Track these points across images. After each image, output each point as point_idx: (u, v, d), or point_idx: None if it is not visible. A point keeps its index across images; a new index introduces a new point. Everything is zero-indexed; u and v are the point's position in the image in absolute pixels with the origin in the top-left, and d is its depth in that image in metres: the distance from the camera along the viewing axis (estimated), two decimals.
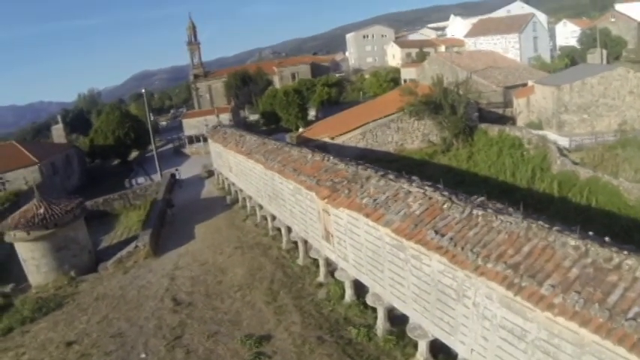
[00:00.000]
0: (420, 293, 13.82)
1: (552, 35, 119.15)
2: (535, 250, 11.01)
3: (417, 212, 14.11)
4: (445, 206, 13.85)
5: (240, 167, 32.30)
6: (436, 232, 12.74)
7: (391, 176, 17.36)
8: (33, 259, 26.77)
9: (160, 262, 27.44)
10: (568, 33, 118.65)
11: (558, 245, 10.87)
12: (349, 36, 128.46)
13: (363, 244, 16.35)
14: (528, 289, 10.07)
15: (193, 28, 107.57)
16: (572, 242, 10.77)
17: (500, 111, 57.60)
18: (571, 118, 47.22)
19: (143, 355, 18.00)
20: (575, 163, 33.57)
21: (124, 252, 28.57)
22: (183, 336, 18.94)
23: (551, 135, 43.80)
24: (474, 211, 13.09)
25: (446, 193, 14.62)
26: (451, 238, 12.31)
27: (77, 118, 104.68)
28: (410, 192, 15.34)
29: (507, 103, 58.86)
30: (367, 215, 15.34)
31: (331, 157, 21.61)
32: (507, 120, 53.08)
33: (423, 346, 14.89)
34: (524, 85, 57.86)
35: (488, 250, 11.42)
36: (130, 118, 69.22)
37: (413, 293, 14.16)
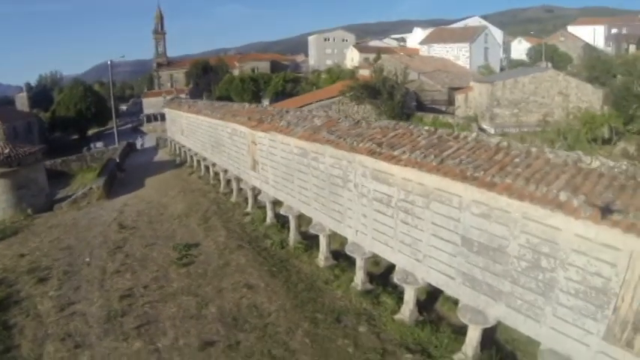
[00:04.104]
0: (318, 192, 16.61)
1: (507, 51, 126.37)
2: (398, 135, 14.04)
3: (318, 124, 17.12)
4: (340, 120, 16.99)
5: (190, 127, 35.03)
6: (328, 132, 15.71)
7: (306, 112, 20.44)
8: None
9: (111, 202, 29.92)
10: (522, 50, 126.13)
11: (416, 131, 13.97)
12: (311, 38, 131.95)
13: (279, 162, 19.11)
14: (386, 154, 12.94)
15: (161, 17, 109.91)
16: (427, 128, 13.91)
17: (442, 108, 61.82)
18: (503, 112, 51.30)
19: (87, 259, 20.09)
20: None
21: (79, 193, 30.73)
22: (124, 246, 21.23)
23: (483, 125, 47.80)
24: (361, 122, 16.21)
25: (344, 116, 17.76)
26: (339, 135, 15.25)
27: (40, 94, 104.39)
28: (316, 115, 18.47)
29: (450, 102, 63.15)
30: (281, 132, 18.24)
31: (264, 105, 24.54)
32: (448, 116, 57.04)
33: (323, 243, 17.59)
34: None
35: (363, 137, 14.41)
36: (92, 94, 70.66)
37: (314, 193, 16.92)
